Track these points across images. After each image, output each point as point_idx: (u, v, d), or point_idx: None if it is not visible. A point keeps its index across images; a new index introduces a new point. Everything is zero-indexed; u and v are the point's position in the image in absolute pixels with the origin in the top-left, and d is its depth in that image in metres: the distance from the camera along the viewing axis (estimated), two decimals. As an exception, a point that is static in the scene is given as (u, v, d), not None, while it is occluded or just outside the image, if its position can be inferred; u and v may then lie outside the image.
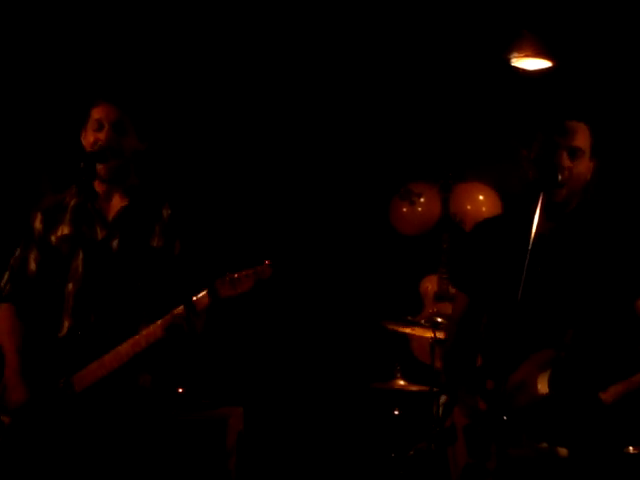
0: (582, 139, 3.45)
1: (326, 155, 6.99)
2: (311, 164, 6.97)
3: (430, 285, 6.97)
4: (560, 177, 3.34)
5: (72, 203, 3.91)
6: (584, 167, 3.40)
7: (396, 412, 5.93)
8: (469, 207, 7.07)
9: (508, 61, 6.49)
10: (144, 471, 3.78)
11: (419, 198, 7.08)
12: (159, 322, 3.71)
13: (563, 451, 3.33)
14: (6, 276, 3.96)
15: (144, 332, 3.71)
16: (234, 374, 6.19)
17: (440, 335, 5.43)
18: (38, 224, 3.93)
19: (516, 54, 6.42)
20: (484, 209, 7.04)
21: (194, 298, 3.70)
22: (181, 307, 3.71)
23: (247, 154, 6.82)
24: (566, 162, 3.39)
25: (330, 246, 6.98)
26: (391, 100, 6.84)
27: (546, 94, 6.53)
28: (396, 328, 5.86)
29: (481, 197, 7.12)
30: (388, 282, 7.11)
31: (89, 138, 3.84)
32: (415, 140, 7.00)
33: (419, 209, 7.12)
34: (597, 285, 3.43)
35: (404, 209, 7.15)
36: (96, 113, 3.85)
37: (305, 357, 6.91)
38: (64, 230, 3.88)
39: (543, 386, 3.36)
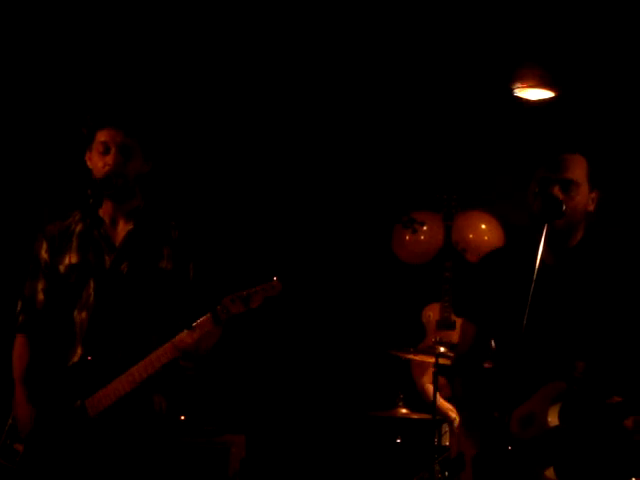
0: (576, 172, 3.46)
1: (329, 182, 6.98)
2: (314, 191, 6.96)
3: (432, 313, 6.93)
4: (564, 207, 3.36)
5: (77, 230, 3.89)
6: (581, 198, 3.41)
7: (398, 440, 5.95)
8: (471, 236, 7.05)
9: (511, 91, 6.50)
10: None
11: (422, 226, 7.03)
12: (168, 345, 3.71)
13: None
14: (19, 306, 3.96)
15: (155, 354, 3.71)
16: (237, 401, 6.17)
17: (443, 362, 5.45)
18: (44, 253, 3.92)
19: (519, 84, 6.43)
20: (486, 238, 7.03)
21: (195, 323, 3.70)
22: (184, 332, 3.71)
23: (253, 179, 6.81)
24: (560, 195, 3.42)
25: (333, 274, 6.96)
26: (395, 128, 6.84)
27: (549, 125, 6.55)
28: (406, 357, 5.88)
29: (483, 226, 7.10)
30: (390, 310, 7.08)
31: (96, 162, 3.83)
32: (418, 169, 7.00)
33: (422, 237, 7.08)
34: (605, 316, 3.44)
35: (407, 237, 7.10)
36: (102, 136, 3.83)
37: (307, 385, 6.88)
38: (72, 259, 3.86)
39: (554, 419, 3.37)
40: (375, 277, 7.17)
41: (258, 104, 6.50)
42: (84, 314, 3.80)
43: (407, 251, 7.20)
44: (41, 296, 3.92)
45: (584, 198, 3.42)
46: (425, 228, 7.07)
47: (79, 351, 3.80)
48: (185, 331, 3.71)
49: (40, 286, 3.93)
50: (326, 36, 5.89)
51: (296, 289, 6.74)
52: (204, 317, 3.71)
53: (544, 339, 3.43)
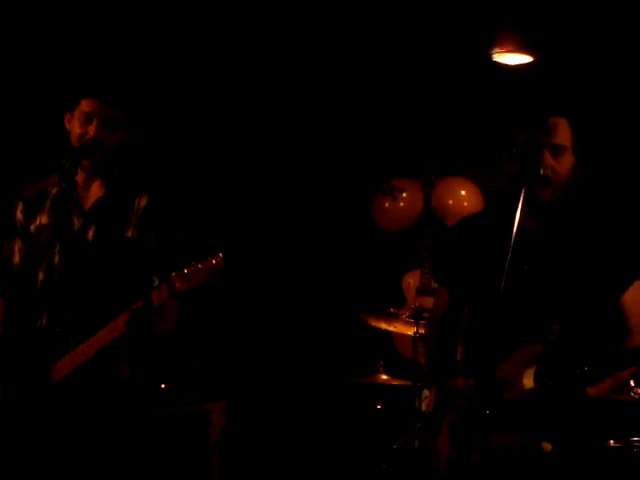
0: (564, 136, 3.46)
1: (308, 150, 6.97)
2: (292, 159, 6.96)
3: (412, 280, 7.00)
4: (542, 171, 3.34)
5: (53, 192, 3.91)
6: (567, 163, 3.41)
7: (379, 406, 5.96)
8: (451, 202, 7.10)
9: (490, 57, 6.52)
10: (125, 464, 3.78)
11: (401, 193, 7.09)
12: (120, 317, 3.69)
13: (547, 446, 3.36)
14: None
15: (107, 327, 3.70)
16: (217, 370, 6.17)
17: (422, 330, 5.41)
18: (19, 214, 3.94)
19: (498, 49, 6.44)
20: (466, 204, 7.08)
21: (153, 292, 3.68)
22: (140, 302, 3.69)
23: (229, 148, 6.80)
24: (549, 160, 3.41)
25: (312, 242, 6.97)
26: (373, 95, 6.83)
27: (528, 90, 6.55)
28: (378, 324, 5.90)
29: (463, 192, 7.15)
30: (370, 277, 7.10)
31: (76, 129, 3.83)
32: (397, 135, 7.00)
33: (401, 204, 7.14)
34: (582, 281, 3.45)
35: (386, 204, 7.16)
36: (86, 106, 3.82)
37: (288, 352, 6.90)
38: (42, 219, 3.88)
39: (529, 381, 3.38)
40: (355, 244, 7.20)
41: (233, 75, 6.50)
42: (48, 276, 3.82)
43: (387, 218, 7.25)
44: (17, 258, 3.94)
45: (569, 162, 3.43)
46: (405, 195, 7.13)
47: (44, 315, 3.81)
48: (140, 300, 3.67)
49: (16, 247, 3.94)
50: (303, 9, 5.90)
51: (277, 256, 6.82)
52: (161, 286, 3.69)
53: (522, 303, 3.44)
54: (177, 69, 6.40)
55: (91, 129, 3.80)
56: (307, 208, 7.04)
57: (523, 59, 6.57)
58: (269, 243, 6.74)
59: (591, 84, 6.29)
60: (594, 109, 6.10)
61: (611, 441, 4.34)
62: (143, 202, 3.91)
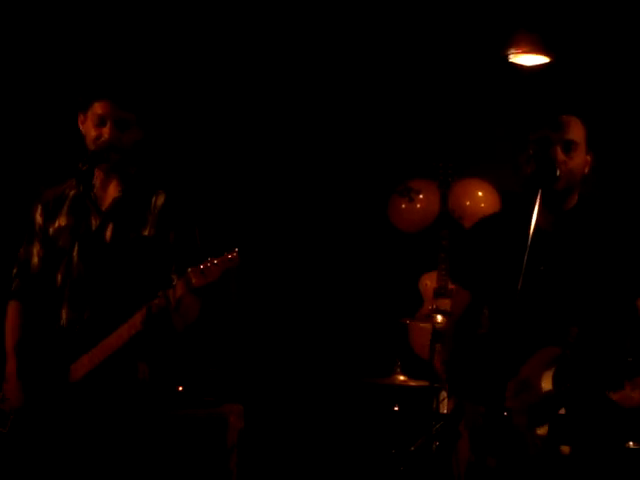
0: (576, 132, 3.47)
1: (325, 152, 6.99)
2: (310, 160, 6.97)
3: (429, 282, 6.95)
4: (558, 172, 3.36)
5: (71, 194, 3.94)
6: (580, 160, 3.42)
7: (396, 408, 5.94)
8: (468, 203, 7.07)
9: (506, 58, 6.52)
10: (143, 467, 3.80)
11: (418, 195, 7.08)
12: (138, 314, 3.71)
13: (566, 449, 3.35)
14: (14, 271, 4.03)
15: (125, 325, 3.74)
16: (234, 372, 6.19)
17: (439, 330, 5.50)
18: (38, 217, 3.98)
19: (514, 50, 6.45)
20: (483, 205, 7.05)
21: (170, 289, 3.70)
22: (156, 299, 3.71)
23: (247, 149, 6.82)
24: (561, 156, 3.41)
25: (330, 243, 6.98)
26: (390, 97, 6.85)
27: (544, 90, 6.56)
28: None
29: (480, 193, 7.12)
30: (387, 279, 7.12)
31: (90, 132, 3.84)
32: (414, 137, 7.00)
33: (418, 206, 7.11)
34: (598, 283, 3.45)
35: (403, 206, 7.14)
36: (99, 108, 3.83)
37: (305, 354, 6.92)
38: (61, 222, 3.92)
39: (547, 383, 3.38)
40: (372, 246, 7.20)
41: (247, 74, 6.53)
42: (67, 277, 3.85)
43: (403, 220, 7.22)
44: (36, 260, 3.98)
45: (582, 160, 3.43)
46: (421, 196, 7.10)
47: (64, 315, 3.85)
48: (157, 297, 3.70)
49: (35, 250, 3.99)
50: (316, 9, 5.94)
51: (294, 258, 6.83)
52: (177, 282, 3.71)
53: (540, 305, 3.44)
54: (192, 68, 6.43)
55: (105, 131, 3.81)
56: (324, 209, 7.04)
57: (539, 60, 6.57)
58: (286, 245, 6.76)
59: (607, 85, 6.32)
60: (609, 110, 6.14)
61: (630, 443, 4.34)
62: (160, 200, 3.93)
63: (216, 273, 3.69)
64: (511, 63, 6.57)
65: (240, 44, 6.34)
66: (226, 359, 6.50)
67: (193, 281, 3.66)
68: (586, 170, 3.46)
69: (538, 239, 3.29)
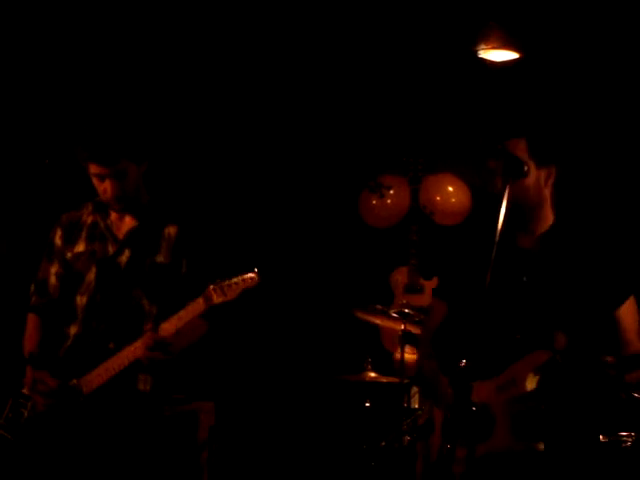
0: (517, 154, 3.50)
1: (294, 148, 6.99)
2: (280, 158, 6.97)
3: (400, 277, 7.08)
4: (526, 167, 3.38)
5: (88, 221, 4.12)
6: (529, 179, 3.43)
7: (367, 404, 5.94)
8: (439, 198, 7.17)
9: (476, 53, 6.51)
10: (118, 465, 3.87)
11: (388, 190, 7.13)
12: (149, 333, 3.84)
13: (540, 446, 3.39)
14: (32, 288, 4.19)
15: (137, 342, 3.86)
16: (205, 369, 6.18)
17: (410, 327, 5.49)
18: (58, 240, 4.15)
19: (483, 46, 6.44)
20: (453, 200, 7.15)
21: (190, 304, 3.83)
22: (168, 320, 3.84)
23: (221, 147, 6.84)
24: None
25: (300, 240, 6.99)
26: (359, 93, 6.85)
27: (514, 87, 6.58)
28: (367, 318, 5.88)
29: (450, 188, 7.20)
30: (358, 275, 7.14)
31: (96, 185, 4.03)
32: (384, 133, 7.02)
33: (388, 201, 7.18)
34: (578, 293, 3.50)
35: (373, 201, 7.20)
36: (93, 168, 3.98)
37: (276, 350, 6.93)
38: (80, 247, 4.10)
39: (531, 384, 3.42)
40: (343, 242, 7.23)
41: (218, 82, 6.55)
42: (85, 298, 4.02)
43: (374, 215, 7.30)
44: (53, 279, 4.15)
45: (532, 177, 3.43)
46: (392, 192, 7.18)
47: (72, 332, 4.00)
48: (170, 318, 3.83)
49: (53, 270, 4.15)
50: (290, 7, 5.90)
51: (264, 253, 6.81)
52: (191, 303, 3.83)
53: (524, 312, 3.51)
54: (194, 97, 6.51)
55: (107, 187, 3.99)
56: (294, 206, 7.04)
57: (509, 55, 6.57)
58: (256, 242, 6.75)
59: (577, 82, 6.34)
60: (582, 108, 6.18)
61: (600, 436, 4.38)
62: (172, 231, 4.08)
63: (236, 292, 3.83)
64: (481, 59, 6.56)
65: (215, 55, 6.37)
66: (197, 356, 6.49)
67: (214, 297, 3.80)
68: (544, 183, 3.48)
69: (519, 256, 3.41)
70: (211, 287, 3.81)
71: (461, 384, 3.46)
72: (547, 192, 3.49)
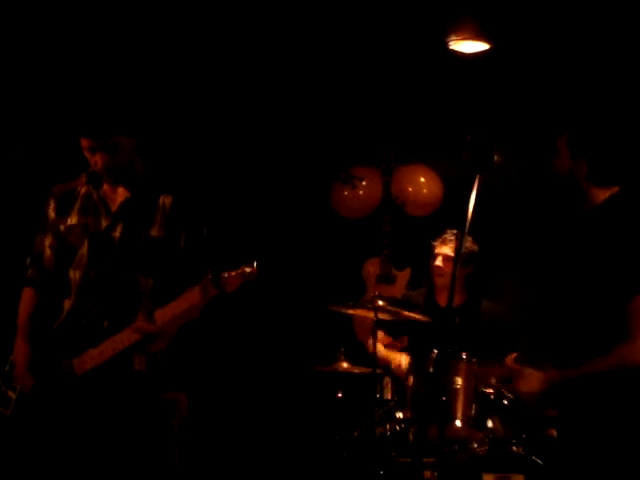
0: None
1: (266, 139, 7.02)
2: (252, 151, 7.01)
3: (372, 268, 7.16)
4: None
5: (82, 192, 4.11)
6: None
7: (339, 394, 5.99)
8: (411, 189, 7.28)
9: (446, 44, 6.51)
10: (115, 446, 3.85)
11: (360, 182, 7.24)
12: (141, 320, 3.83)
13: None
14: (28, 260, 4.18)
15: (139, 324, 3.83)
16: (179, 361, 6.22)
17: (382, 316, 5.52)
18: (51, 212, 4.14)
19: (454, 37, 6.43)
20: (425, 191, 7.27)
21: (186, 293, 3.81)
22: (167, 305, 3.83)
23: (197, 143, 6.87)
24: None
25: (272, 231, 7.03)
26: (331, 85, 6.87)
27: (484, 79, 6.63)
28: (339, 309, 5.88)
29: (422, 179, 7.31)
30: (331, 265, 7.22)
31: (88, 158, 4.02)
32: (355, 124, 7.05)
33: (360, 192, 7.28)
34: (593, 282, 3.57)
35: (345, 193, 7.30)
36: (84, 142, 3.97)
37: (248, 342, 6.98)
38: (72, 220, 4.08)
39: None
40: (315, 233, 7.30)
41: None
42: (78, 273, 4.00)
43: (346, 206, 7.42)
44: (48, 252, 4.14)
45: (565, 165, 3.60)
46: (364, 183, 7.29)
47: (66, 308, 3.98)
48: (164, 307, 3.82)
49: (47, 242, 4.14)
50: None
51: (239, 246, 6.84)
52: (188, 292, 3.82)
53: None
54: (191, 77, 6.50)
55: (97, 160, 3.97)
56: (266, 197, 7.09)
57: (479, 46, 6.56)
58: (230, 233, 6.78)
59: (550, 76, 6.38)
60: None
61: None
62: (167, 202, 4.05)
63: (234, 285, 3.80)
64: (452, 50, 6.56)
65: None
66: (171, 348, 6.53)
67: (211, 290, 3.77)
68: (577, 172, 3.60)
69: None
70: (209, 278, 3.79)
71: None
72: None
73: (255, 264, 3.83)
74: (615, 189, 3.60)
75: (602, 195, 3.61)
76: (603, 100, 6.06)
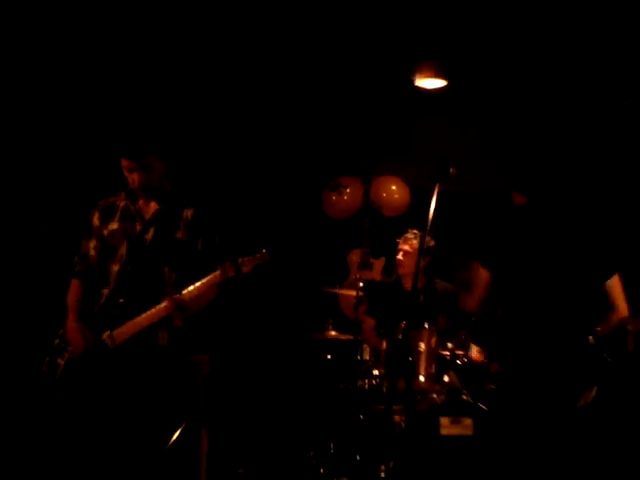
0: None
1: (268, 153, 7.37)
2: (258, 166, 7.38)
3: (355, 257, 7.63)
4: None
5: (121, 205, 4.48)
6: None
7: (329, 357, 6.41)
8: (385, 195, 7.70)
9: (412, 81, 7.04)
10: (144, 403, 4.27)
11: (345, 189, 7.64)
12: (170, 300, 4.26)
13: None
14: (76, 258, 4.55)
15: (161, 305, 4.24)
16: (203, 330, 5.64)
17: (360, 293, 6.04)
18: (96, 220, 4.50)
19: (418, 76, 7.01)
20: (396, 196, 7.74)
21: (209, 275, 4.16)
22: (188, 287, 4.24)
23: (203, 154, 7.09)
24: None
25: (276, 228, 7.31)
26: (325, 110, 7.32)
27: (442, 109, 7.03)
28: (329, 290, 6.49)
29: (394, 187, 7.77)
30: (322, 255, 7.57)
31: (127, 177, 4.39)
32: (342, 143, 7.49)
33: (345, 198, 7.69)
34: (570, 265, 4.04)
35: (333, 198, 7.72)
36: (123, 162, 4.36)
37: (258, 315, 7.31)
38: (114, 225, 4.43)
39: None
40: (309, 230, 7.64)
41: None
42: (117, 267, 4.38)
43: (334, 209, 7.81)
44: (93, 252, 4.50)
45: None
46: (348, 190, 7.67)
47: (110, 293, 4.34)
48: (191, 285, 4.21)
49: (92, 245, 4.51)
50: (235, 14, 6.09)
51: (246, 240, 6.52)
52: (211, 274, 4.19)
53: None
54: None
55: (134, 178, 4.34)
56: (269, 202, 7.45)
57: (438, 83, 7.15)
58: (237, 231, 6.24)
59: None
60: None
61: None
62: (189, 213, 4.41)
63: (249, 267, 4.20)
64: (416, 86, 7.12)
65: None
66: (191, 324, 6.39)
67: (229, 271, 4.16)
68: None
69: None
70: (228, 262, 4.15)
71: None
72: None
73: (264, 251, 4.24)
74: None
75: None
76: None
